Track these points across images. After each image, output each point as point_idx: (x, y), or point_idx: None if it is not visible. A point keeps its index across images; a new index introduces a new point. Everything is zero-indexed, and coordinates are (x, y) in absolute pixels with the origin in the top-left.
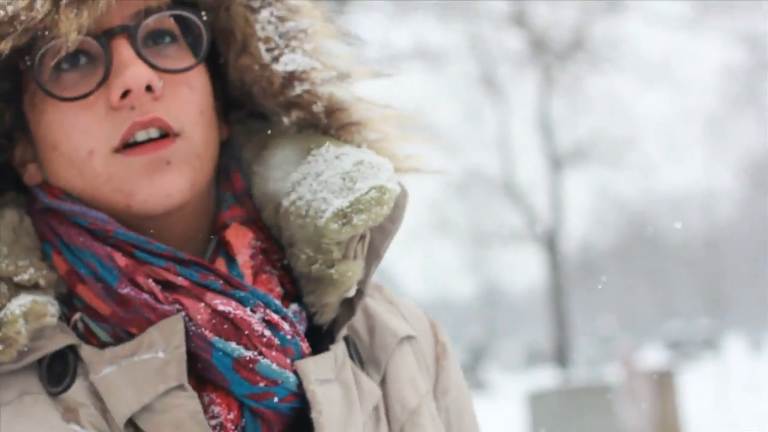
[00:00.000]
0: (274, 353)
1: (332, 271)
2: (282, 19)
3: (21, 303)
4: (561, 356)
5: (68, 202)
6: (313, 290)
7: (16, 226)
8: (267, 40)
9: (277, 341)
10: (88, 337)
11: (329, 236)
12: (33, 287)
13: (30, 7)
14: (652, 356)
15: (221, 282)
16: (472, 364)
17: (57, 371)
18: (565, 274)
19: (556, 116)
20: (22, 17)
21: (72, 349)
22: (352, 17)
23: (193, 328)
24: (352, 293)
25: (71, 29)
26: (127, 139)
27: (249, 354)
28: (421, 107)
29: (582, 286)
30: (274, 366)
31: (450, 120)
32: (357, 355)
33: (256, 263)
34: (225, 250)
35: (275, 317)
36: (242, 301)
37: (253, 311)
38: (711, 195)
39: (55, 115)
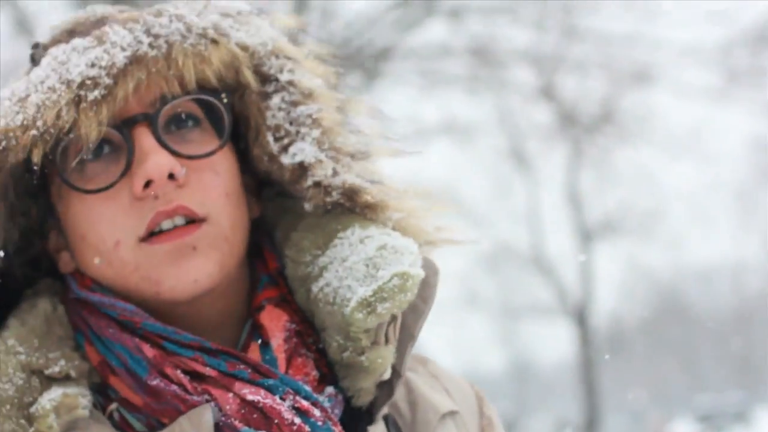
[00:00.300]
0: None
1: (363, 358)
2: (294, 104)
3: (52, 397)
4: (592, 430)
5: (98, 293)
6: (346, 376)
7: (49, 316)
8: (276, 128)
9: (307, 428)
10: (124, 427)
11: (356, 325)
12: (64, 379)
13: (57, 116)
14: (684, 430)
15: (249, 371)
16: None
17: None
18: (595, 347)
19: (585, 189)
20: (51, 129)
21: None
22: (381, 92)
23: (223, 418)
24: (387, 376)
25: (92, 128)
26: (153, 228)
27: None
28: (450, 181)
29: (612, 360)
30: None
31: (479, 193)
32: None
33: (290, 346)
34: (259, 333)
35: (305, 404)
36: (271, 389)
37: (282, 399)
38: (740, 267)
39: (81, 206)
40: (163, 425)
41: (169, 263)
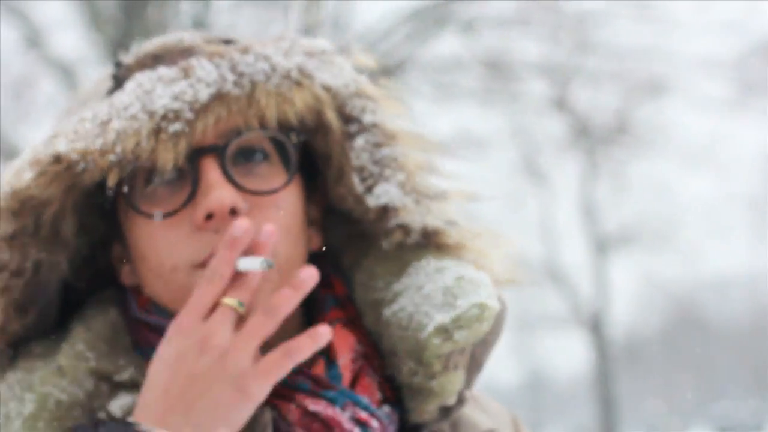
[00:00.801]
0: None
1: (433, 383)
2: (377, 145)
3: (122, 403)
4: None
5: (155, 316)
6: (412, 399)
7: (116, 324)
8: (361, 169)
9: None
10: None
11: (430, 350)
12: (131, 386)
13: (136, 144)
14: None
15: (310, 383)
16: None
17: None
18: (611, 358)
19: (599, 200)
20: (129, 156)
21: None
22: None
23: (286, 427)
24: (452, 402)
25: (168, 159)
26: (209, 260)
27: None
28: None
29: (628, 370)
30: None
31: (493, 206)
32: None
33: (356, 366)
34: (326, 351)
35: (364, 415)
36: (332, 401)
37: (342, 410)
38: (756, 277)
39: (144, 228)
40: None
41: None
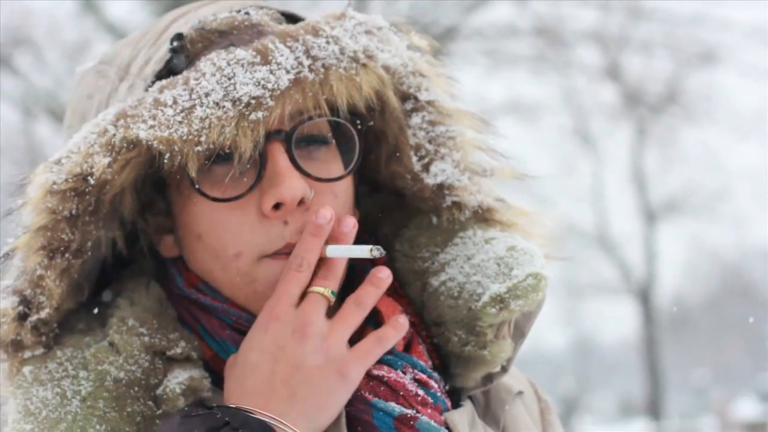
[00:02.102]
0: (429, 410)
1: (485, 352)
2: (432, 123)
3: (180, 380)
4: (654, 409)
5: (209, 297)
6: (463, 367)
7: (160, 298)
8: (417, 147)
9: (430, 399)
10: None
11: (485, 320)
12: (184, 360)
13: (220, 133)
14: (747, 408)
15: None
16: (566, 416)
17: None
18: (658, 326)
19: (649, 169)
20: (212, 145)
21: None
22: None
23: (354, 392)
24: (497, 369)
25: (248, 147)
26: (280, 252)
27: (409, 412)
28: (515, 159)
29: (675, 338)
30: (432, 422)
31: (544, 172)
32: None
33: (407, 335)
34: (375, 319)
35: (424, 377)
36: (391, 364)
37: (403, 372)
38: None
39: (203, 207)
40: None
41: None
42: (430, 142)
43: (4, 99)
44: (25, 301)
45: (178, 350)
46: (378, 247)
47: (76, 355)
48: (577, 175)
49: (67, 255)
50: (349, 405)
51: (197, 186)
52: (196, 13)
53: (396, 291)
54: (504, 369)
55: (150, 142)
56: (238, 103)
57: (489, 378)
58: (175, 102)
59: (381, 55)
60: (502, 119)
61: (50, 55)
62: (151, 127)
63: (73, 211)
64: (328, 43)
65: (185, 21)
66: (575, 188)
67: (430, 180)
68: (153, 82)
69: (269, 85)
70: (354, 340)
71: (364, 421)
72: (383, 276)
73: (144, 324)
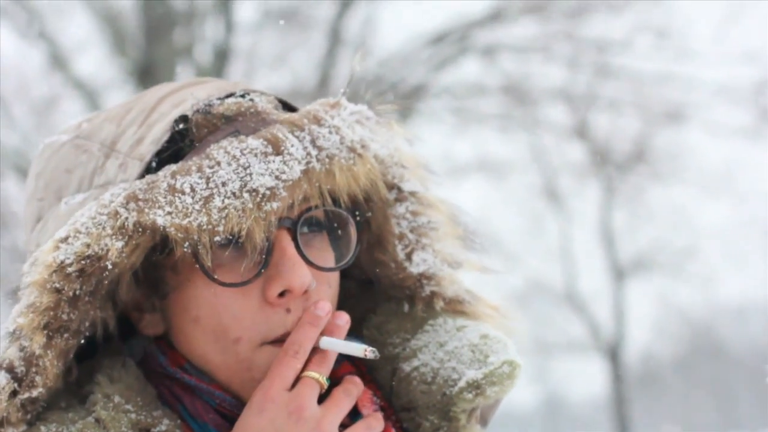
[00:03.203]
0: None
1: None
2: (414, 214)
3: None
4: None
5: (194, 378)
6: None
7: (139, 376)
8: (401, 236)
9: None
10: None
11: (460, 405)
12: None
13: (237, 224)
14: None
15: None
16: None
17: None
18: (627, 384)
19: (617, 227)
20: (229, 236)
21: None
22: (414, 130)
23: None
24: None
25: (261, 236)
26: (280, 339)
27: None
28: (483, 217)
29: (645, 396)
30: None
31: (512, 230)
32: None
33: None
34: None
35: None
36: None
37: None
38: None
39: (203, 290)
40: None
41: None
42: (412, 231)
43: None
44: (16, 378)
45: (163, 428)
46: (373, 349)
47: (61, 430)
48: (546, 233)
49: (66, 335)
50: None
51: (214, 274)
52: (188, 93)
53: (364, 376)
54: None
55: (167, 229)
56: (255, 194)
57: None
58: (192, 190)
59: (372, 146)
60: (471, 177)
61: (18, 112)
62: (169, 213)
63: (77, 292)
64: (330, 132)
65: (177, 100)
66: (543, 246)
67: (413, 269)
68: (156, 164)
69: (283, 176)
70: None
71: None
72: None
73: (129, 401)
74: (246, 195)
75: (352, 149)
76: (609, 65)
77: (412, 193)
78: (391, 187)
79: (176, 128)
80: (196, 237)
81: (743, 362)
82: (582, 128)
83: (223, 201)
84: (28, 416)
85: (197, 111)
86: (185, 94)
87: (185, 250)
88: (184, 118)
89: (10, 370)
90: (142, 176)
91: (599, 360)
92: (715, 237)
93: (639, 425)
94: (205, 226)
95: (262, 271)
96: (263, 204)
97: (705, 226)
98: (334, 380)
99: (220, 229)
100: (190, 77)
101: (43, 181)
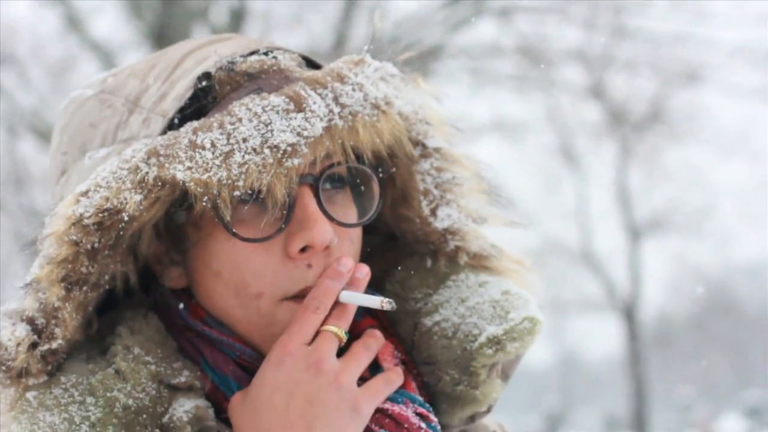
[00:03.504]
0: None
1: (477, 392)
2: (439, 170)
3: (186, 409)
4: (639, 425)
5: (214, 330)
6: (452, 405)
7: (160, 328)
8: (426, 192)
9: (430, 431)
10: None
11: (480, 360)
12: (187, 389)
13: (257, 179)
14: (731, 425)
15: None
16: (550, 431)
17: None
18: (642, 342)
19: (633, 186)
20: (249, 190)
21: None
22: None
23: None
24: (484, 409)
25: (282, 192)
26: (301, 294)
27: None
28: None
29: (660, 355)
30: None
31: (528, 190)
32: None
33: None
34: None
35: (424, 411)
36: (393, 399)
37: (406, 406)
38: None
39: (225, 245)
40: None
41: None
42: (436, 187)
43: None
44: (36, 330)
45: (183, 379)
46: (390, 300)
47: (81, 382)
48: (562, 193)
49: (84, 288)
50: None
51: (234, 229)
52: (211, 50)
53: (386, 330)
54: (489, 409)
55: (187, 184)
56: (275, 150)
57: (472, 417)
58: (213, 145)
59: (397, 102)
60: (487, 138)
61: (34, 73)
62: (189, 168)
63: (95, 245)
64: (353, 90)
65: (200, 57)
66: (560, 206)
67: (438, 224)
68: (178, 120)
69: (305, 133)
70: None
71: None
72: (389, 307)
73: (149, 353)
74: (266, 151)
75: (375, 106)
76: (625, 26)
77: (437, 150)
78: (415, 143)
79: (199, 85)
80: (215, 192)
81: (759, 321)
82: (598, 89)
83: (243, 156)
84: (49, 367)
85: (220, 68)
86: (208, 51)
87: (204, 204)
88: (207, 75)
89: (31, 322)
90: (164, 132)
91: (615, 319)
92: (730, 197)
93: (654, 384)
94: (224, 181)
95: (284, 226)
96: (284, 160)
97: (721, 186)
98: (356, 334)
99: (240, 184)
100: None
101: (68, 135)
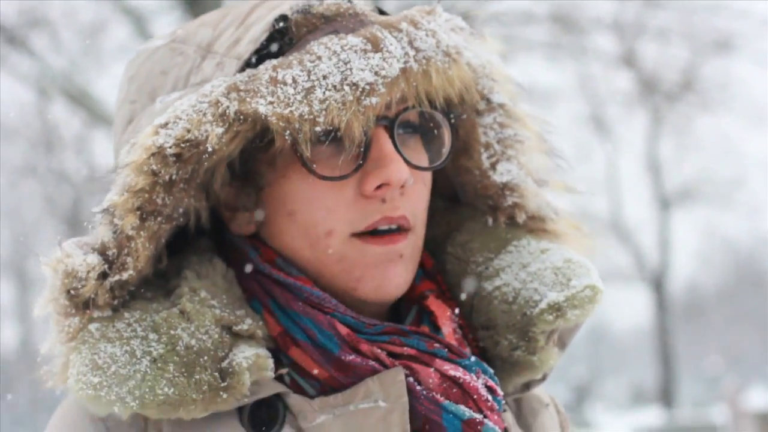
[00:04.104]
0: (495, 417)
1: (535, 358)
2: (502, 126)
3: (246, 355)
4: (666, 396)
5: (283, 273)
6: (508, 371)
7: (227, 275)
8: (487, 145)
9: (496, 406)
10: (296, 389)
11: (540, 326)
12: (248, 337)
13: (337, 116)
14: (759, 397)
15: (446, 350)
16: (577, 402)
17: (261, 418)
18: (671, 313)
19: (664, 156)
20: (329, 126)
21: (279, 397)
22: None
23: (425, 391)
24: (539, 377)
25: (359, 130)
26: (373, 228)
27: (477, 417)
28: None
29: (688, 326)
30: (497, 428)
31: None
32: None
33: (458, 337)
34: (429, 319)
35: (493, 384)
36: (467, 368)
37: (477, 377)
38: None
39: (300, 184)
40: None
41: (377, 266)
42: (498, 142)
43: (20, 80)
44: (107, 261)
45: (245, 327)
46: None
47: (144, 318)
48: (592, 161)
49: (159, 219)
50: (420, 404)
51: (313, 166)
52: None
53: (444, 294)
54: (544, 377)
55: (269, 118)
56: (355, 87)
57: (527, 386)
58: (294, 81)
59: (466, 53)
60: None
61: (66, 36)
62: (270, 103)
63: (173, 176)
64: (427, 35)
65: (273, 5)
66: (590, 175)
67: (497, 178)
68: (255, 61)
69: (382, 72)
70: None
71: (433, 420)
72: None
73: (214, 297)
74: (347, 88)
75: (447, 53)
76: None
77: (501, 105)
78: (480, 97)
79: (276, 27)
80: (297, 126)
81: None
82: (630, 57)
83: (324, 93)
84: (115, 301)
85: (297, 11)
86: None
87: (286, 139)
88: (283, 17)
89: (102, 252)
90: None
91: (644, 290)
92: (762, 167)
93: (682, 355)
94: (306, 116)
95: (362, 163)
96: (363, 98)
97: (752, 157)
98: (415, 297)
99: (321, 119)
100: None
101: (136, 84)
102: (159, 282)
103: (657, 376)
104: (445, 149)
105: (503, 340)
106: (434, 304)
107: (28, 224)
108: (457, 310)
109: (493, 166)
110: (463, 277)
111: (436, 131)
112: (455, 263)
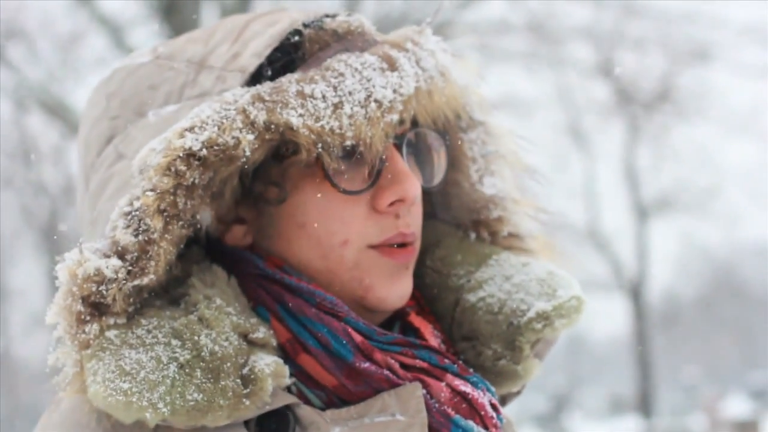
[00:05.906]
0: None
1: (519, 367)
2: (485, 142)
3: (267, 362)
4: (645, 405)
5: (294, 278)
6: (490, 383)
7: (228, 283)
8: (473, 160)
9: (498, 423)
10: (302, 400)
11: (527, 335)
12: (262, 346)
13: (363, 131)
14: (736, 406)
15: (457, 366)
16: (556, 412)
17: (270, 429)
18: (649, 322)
19: (641, 166)
20: (355, 141)
21: (288, 408)
22: None
23: (437, 405)
24: (517, 389)
25: (381, 146)
26: (388, 243)
27: None
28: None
29: (666, 335)
30: None
31: (538, 167)
32: None
33: (443, 351)
34: (416, 335)
35: (495, 401)
36: (474, 385)
37: (483, 394)
38: None
39: (311, 196)
40: (346, 404)
41: (387, 276)
42: (482, 157)
43: None
44: (127, 264)
45: (260, 335)
46: None
47: (163, 325)
48: (570, 171)
49: (180, 223)
50: (432, 418)
51: (335, 181)
52: (280, 15)
53: (423, 309)
54: (519, 391)
55: (300, 130)
56: (380, 104)
57: (503, 399)
58: (323, 96)
59: (456, 73)
60: (496, 114)
61: (43, 48)
62: (301, 115)
63: (195, 180)
64: (429, 55)
65: (270, 21)
66: (567, 184)
67: (487, 190)
68: (269, 74)
69: (401, 90)
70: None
71: None
72: None
73: (229, 305)
74: (372, 104)
75: (442, 74)
76: (634, 3)
77: (482, 123)
78: (465, 114)
79: (291, 40)
80: (328, 140)
81: (765, 302)
82: (607, 67)
83: (351, 108)
84: (131, 308)
85: (310, 26)
86: (277, 16)
87: (318, 151)
88: (298, 33)
89: (122, 256)
90: (244, 86)
91: (621, 299)
92: (738, 177)
93: (660, 364)
94: (336, 131)
95: (377, 180)
96: (385, 115)
97: (729, 166)
98: (396, 313)
99: (349, 134)
100: (214, 18)
101: (118, 100)
102: (157, 290)
103: (635, 384)
104: (442, 167)
105: (487, 350)
106: (417, 320)
107: (4, 236)
108: (436, 324)
109: (480, 180)
110: (443, 290)
111: (432, 150)
112: (435, 276)
